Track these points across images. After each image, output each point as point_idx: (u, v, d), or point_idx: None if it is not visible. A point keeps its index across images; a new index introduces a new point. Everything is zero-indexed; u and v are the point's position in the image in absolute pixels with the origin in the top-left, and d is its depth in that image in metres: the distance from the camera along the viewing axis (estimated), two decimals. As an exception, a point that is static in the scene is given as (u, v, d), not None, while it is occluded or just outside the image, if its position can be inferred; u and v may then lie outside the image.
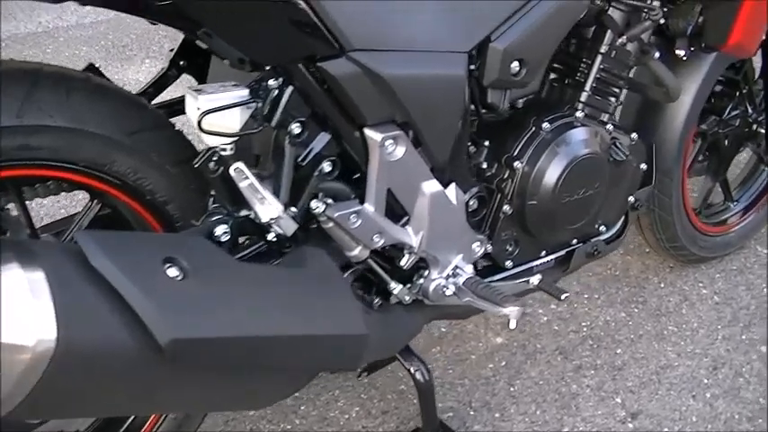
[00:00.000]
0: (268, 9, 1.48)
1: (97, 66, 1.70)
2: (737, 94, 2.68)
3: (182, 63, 1.80)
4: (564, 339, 2.55)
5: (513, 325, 1.83)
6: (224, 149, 1.58)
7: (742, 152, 2.89)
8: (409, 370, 2.02)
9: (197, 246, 1.49)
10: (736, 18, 2.12)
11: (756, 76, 2.69)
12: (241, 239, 1.71)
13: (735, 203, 2.95)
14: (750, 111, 2.73)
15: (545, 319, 2.64)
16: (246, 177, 1.57)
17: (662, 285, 2.82)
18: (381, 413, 2.27)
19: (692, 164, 2.74)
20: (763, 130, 2.74)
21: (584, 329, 2.61)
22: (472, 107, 1.85)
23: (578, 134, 1.98)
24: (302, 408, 2.29)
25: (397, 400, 2.30)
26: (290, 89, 1.61)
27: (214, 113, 1.54)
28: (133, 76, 4.22)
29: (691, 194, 2.85)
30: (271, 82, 1.60)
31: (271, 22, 1.50)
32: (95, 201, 1.66)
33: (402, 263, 1.84)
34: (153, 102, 1.81)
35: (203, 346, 1.37)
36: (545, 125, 1.94)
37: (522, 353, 2.51)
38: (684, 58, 2.26)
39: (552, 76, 2.12)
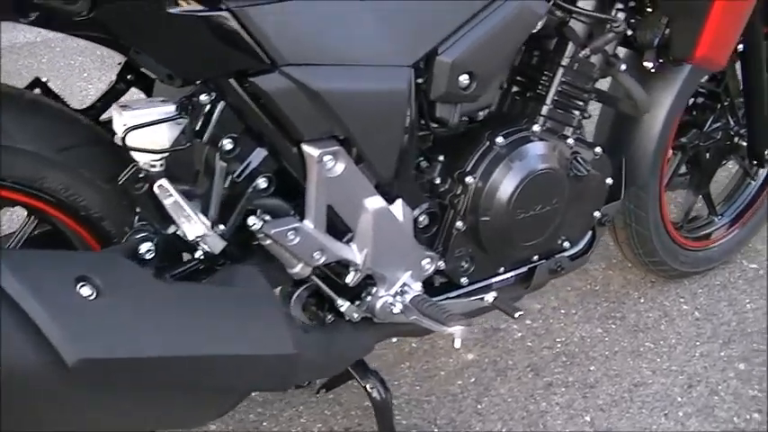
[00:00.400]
0: (194, 24, 1.46)
1: (45, 80, 1.70)
2: (719, 106, 2.63)
3: (129, 77, 1.77)
4: (537, 356, 2.51)
5: (457, 344, 1.80)
6: (153, 165, 1.55)
7: (726, 165, 2.81)
8: (365, 387, 1.99)
9: (114, 264, 1.46)
10: (702, 31, 2.08)
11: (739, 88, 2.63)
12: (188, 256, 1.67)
13: (719, 217, 2.90)
14: (732, 123, 2.67)
15: (519, 334, 2.60)
16: (171, 195, 1.54)
17: (642, 301, 2.77)
18: (344, 430, 2.24)
19: (673, 177, 2.69)
20: (744, 144, 2.67)
21: (559, 345, 2.56)
22: (423, 121, 1.80)
23: (534, 149, 1.95)
24: (264, 423, 2.27)
25: (360, 417, 2.27)
26: (221, 104, 1.58)
27: (140, 129, 1.50)
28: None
29: (675, 208, 2.81)
30: (202, 97, 1.57)
31: (197, 37, 1.48)
32: (32, 218, 1.64)
33: (348, 280, 1.80)
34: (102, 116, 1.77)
35: (114, 366, 1.35)
36: (499, 140, 1.91)
37: (493, 369, 2.47)
38: (653, 71, 2.21)
39: (515, 88, 2.06)
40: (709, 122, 2.66)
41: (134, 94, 1.74)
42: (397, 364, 2.46)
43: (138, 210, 1.60)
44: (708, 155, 2.73)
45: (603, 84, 2.20)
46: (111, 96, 1.79)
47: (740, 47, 2.48)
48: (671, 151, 2.59)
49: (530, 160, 1.94)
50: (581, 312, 2.71)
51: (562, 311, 2.71)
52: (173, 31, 1.46)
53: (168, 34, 1.46)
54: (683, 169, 2.77)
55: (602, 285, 2.83)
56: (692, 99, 2.59)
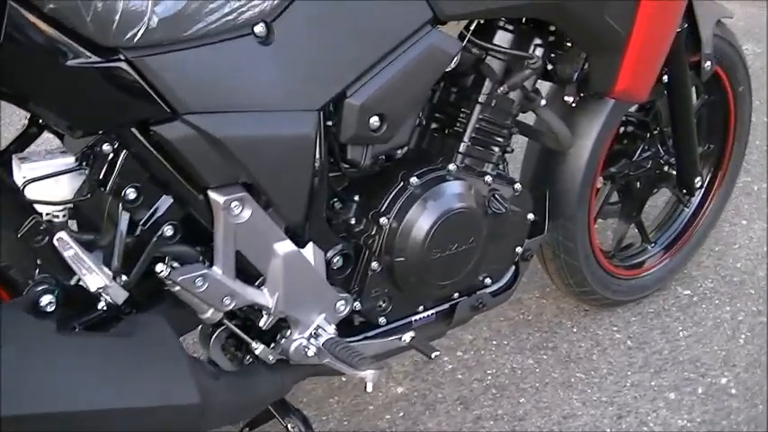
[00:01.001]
0: (92, 76, 1.45)
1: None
2: (648, 135, 2.63)
3: (41, 121, 1.76)
4: (467, 388, 2.51)
5: (369, 388, 1.80)
6: (56, 216, 1.55)
7: (657, 192, 2.82)
8: (286, 427, 1.99)
9: (12, 318, 1.45)
10: (620, 66, 2.09)
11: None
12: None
13: (652, 245, 2.91)
14: (662, 152, 2.68)
15: (449, 366, 2.60)
16: (71, 247, 1.53)
17: (575, 330, 2.78)
18: (270, 467, 2.23)
19: (604, 206, 2.70)
20: (674, 172, 2.69)
21: (489, 378, 2.57)
22: (333, 162, 1.80)
23: (449, 188, 1.95)
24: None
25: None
26: (124, 153, 1.57)
27: (39, 181, 1.49)
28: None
29: (607, 235, 2.83)
30: (105, 147, 1.57)
31: (96, 89, 1.47)
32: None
33: (261, 324, 1.80)
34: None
35: (6, 423, 1.34)
36: (413, 180, 1.91)
37: (422, 403, 2.47)
38: (573, 105, 2.22)
39: (434, 125, 2.07)
40: (638, 151, 2.67)
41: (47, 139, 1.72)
42: (325, 398, 2.45)
43: (39, 261, 1.58)
44: (638, 183, 2.74)
45: (529, 116, 2.20)
46: (22, 141, 1.77)
47: (665, 78, 2.46)
48: (601, 180, 2.59)
49: (444, 200, 1.94)
50: (513, 343, 2.71)
51: (494, 342, 2.71)
52: (71, 84, 1.45)
53: (66, 87, 1.46)
54: (614, 197, 2.76)
55: (535, 315, 2.84)
56: (622, 127, 2.59)
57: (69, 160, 1.56)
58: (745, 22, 5.56)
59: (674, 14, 2.18)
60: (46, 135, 1.71)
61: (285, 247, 1.76)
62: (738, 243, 3.28)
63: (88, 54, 1.44)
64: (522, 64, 2.02)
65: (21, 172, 1.51)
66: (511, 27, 2.03)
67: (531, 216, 2.19)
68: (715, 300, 2.96)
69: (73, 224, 1.64)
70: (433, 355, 1.94)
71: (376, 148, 1.87)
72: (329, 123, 1.77)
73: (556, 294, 2.88)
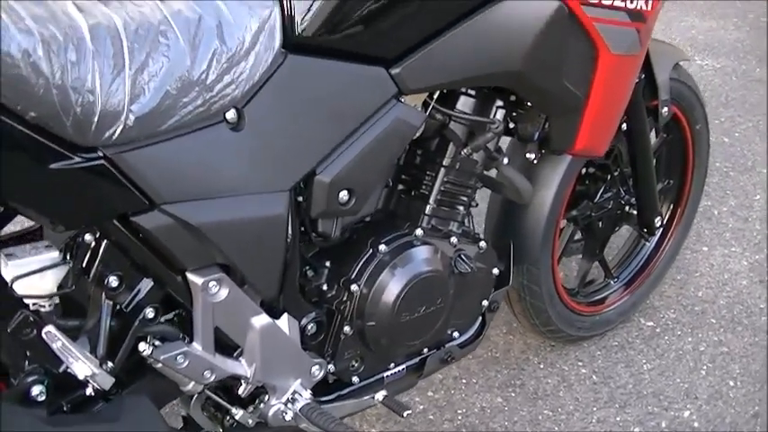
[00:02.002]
0: (71, 175, 1.51)
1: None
2: (609, 177, 2.71)
3: None
4: (438, 429, 2.60)
5: (344, 452, 1.87)
6: (42, 307, 1.62)
7: (618, 231, 2.91)
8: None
9: (4, 410, 1.53)
10: (579, 126, 2.18)
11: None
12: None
13: (615, 280, 2.99)
14: (623, 193, 2.77)
15: (421, 407, 2.68)
16: (58, 339, 1.61)
17: (541, 366, 2.86)
18: None
19: (567, 245, 2.79)
20: (635, 212, 2.78)
21: (460, 417, 2.65)
22: (305, 233, 1.88)
23: (416, 254, 2.03)
24: None
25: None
26: (105, 243, 1.65)
27: (26, 277, 1.57)
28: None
29: (571, 270, 2.91)
30: (86, 237, 1.65)
31: (76, 188, 1.53)
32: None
33: (239, 392, 1.88)
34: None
35: None
36: (382, 247, 1.99)
37: (396, 445, 2.54)
38: (535, 162, 2.31)
39: (400, 186, 2.15)
40: (600, 192, 2.75)
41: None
42: (302, 444, 2.52)
43: (28, 353, 1.66)
44: (600, 223, 2.83)
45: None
46: (5, 215, 1.83)
47: (624, 125, 2.55)
48: (564, 221, 2.68)
49: (412, 265, 2.03)
50: (482, 381, 2.79)
51: (463, 381, 2.79)
52: (54, 184, 1.51)
53: (49, 188, 1.52)
54: (577, 235, 2.85)
55: (503, 352, 2.92)
56: (584, 169, 2.68)
57: (54, 254, 1.63)
58: (705, 36, 5.68)
59: (631, 73, 2.26)
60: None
61: (261, 320, 1.84)
62: (699, 271, 3.38)
63: (69, 155, 1.50)
64: (485, 127, 2.09)
65: (8, 269, 1.58)
66: (473, 92, 2.10)
67: (495, 270, 2.27)
68: (677, 331, 3.06)
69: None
70: (404, 414, 2.02)
71: (346, 218, 1.94)
72: (299, 199, 1.83)
73: (523, 330, 2.97)
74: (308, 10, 1.71)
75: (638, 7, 2.08)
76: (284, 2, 1.70)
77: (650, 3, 2.11)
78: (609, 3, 2.03)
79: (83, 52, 1.45)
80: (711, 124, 3.92)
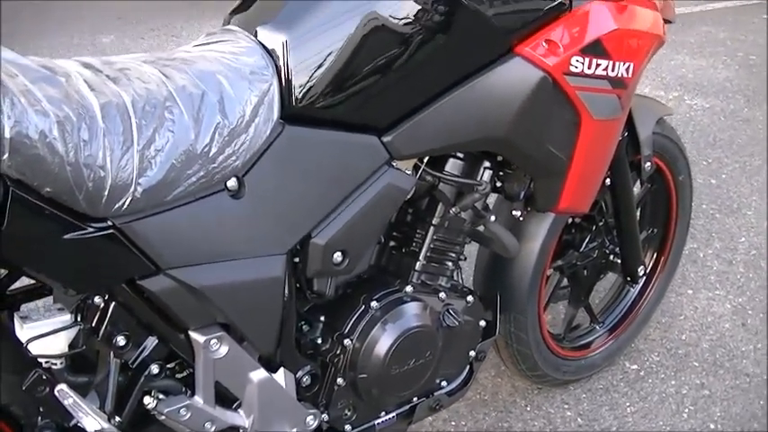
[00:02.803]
0: (82, 244, 1.63)
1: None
2: (593, 227, 2.82)
3: None
4: (427, 474, 2.68)
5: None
6: (54, 364, 1.73)
7: (603, 278, 3.02)
8: None
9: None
10: (563, 187, 2.28)
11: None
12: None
13: (600, 325, 3.10)
14: (607, 242, 2.88)
15: (411, 451, 2.77)
16: (70, 396, 1.72)
17: (528, 409, 2.96)
18: None
19: (554, 292, 2.90)
20: (619, 261, 2.89)
21: (449, 459, 2.74)
22: (304, 292, 1.99)
23: (406, 310, 2.14)
24: None
25: None
26: (113, 305, 1.76)
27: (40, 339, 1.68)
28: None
29: (557, 316, 3.05)
30: (96, 299, 1.75)
31: (87, 255, 1.65)
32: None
33: (238, 441, 1.99)
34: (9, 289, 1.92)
35: None
36: (374, 303, 2.10)
37: (388, 488, 2.63)
38: (521, 219, 2.42)
39: (392, 243, 2.26)
40: (585, 242, 2.86)
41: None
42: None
43: (41, 408, 1.77)
44: (586, 271, 2.93)
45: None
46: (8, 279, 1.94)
47: (608, 180, 2.66)
48: (551, 270, 2.79)
49: (402, 321, 2.14)
50: (470, 424, 2.88)
51: (452, 423, 2.88)
52: (67, 253, 1.62)
53: (62, 257, 1.63)
54: (564, 282, 2.96)
55: (491, 394, 3.02)
56: (570, 219, 2.78)
57: (66, 317, 1.74)
58: (694, 75, 5.80)
59: (613, 135, 2.36)
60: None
61: (259, 374, 1.95)
62: (684, 314, 3.49)
63: (81, 226, 1.62)
64: (473, 188, 2.20)
65: (24, 331, 1.70)
66: (461, 155, 2.21)
67: (482, 322, 2.38)
68: (660, 374, 3.15)
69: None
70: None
71: (340, 277, 2.05)
72: (296, 260, 1.94)
73: (510, 373, 3.05)
74: (305, 81, 1.83)
75: (620, 75, 2.18)
76: (282, 74, 1.80)
77: (631, 70, 2.21)
78: (591, 72, 2.13)
79: (95, 131, 1.56)
80: (699, 165, 4.08)
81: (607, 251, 2.90)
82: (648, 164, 2.73)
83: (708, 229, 4.03)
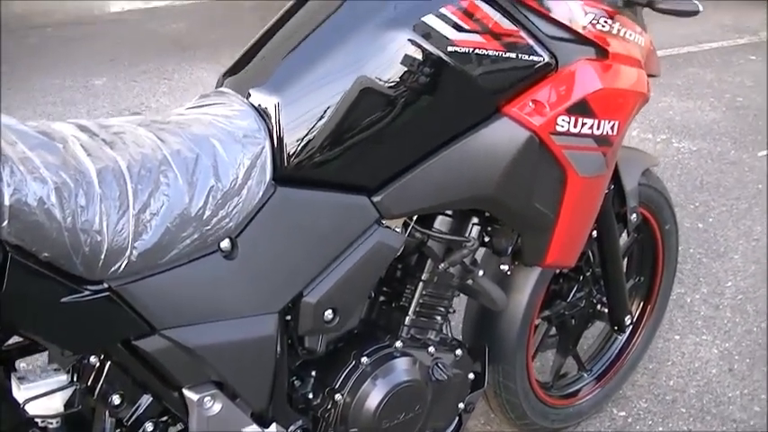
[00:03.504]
0: (79, 307, 1.67)
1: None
2: (581, 278, 2.86)
3: None
4: None
5: None
6: (51, 424, 1.77)
7: (591, 326, 3.05)
8: None
9: None
10: (550, 242, 2.31)
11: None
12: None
13: (588, 373, 3.13)
14: (594, 292, 2.91)
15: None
16: (64, 456, 1.76)
17: (517, 456, 2.98)
18: None
19: (542, 341, 2.94)
20: (606, 310, 2.92)
21: None
22: (295, 349, 2.03)
23: (396, 365, 2.18)
24: None
25: None
26: (108, 364, 1.79)
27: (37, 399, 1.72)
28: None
29: (546, 363, 3.07)
30: (92, 359, 1.79)
31: (84, 317, 1.69)
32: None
33: (229, 493, 2.02)
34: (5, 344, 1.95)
35: None
36: (364, 359, 2.14)
37: None
38: (509, 273, 2.46)
39: (381, 298, 2.30)
40: (572, 292, 2.89)
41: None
42: None
43: None
44: (573, 321, 2.97)
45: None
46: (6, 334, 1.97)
47: (594, 233, 2.70)
48: (538, 320, 2.83)
49: (393, 376, 2.18)
50: (460, 475, 2.90)
51: (443, 473, 2.90)
52: (64, 316, 1.67)
53: (60, 319, 1.67)
54: (552, 330, 3.00)
55: (481, 442, 3.05)
56: (557, 270, 2.82)
57: (62, 378, 1.78)
58: (682, 117, 5.85)
59: (598, 191, 2.40)
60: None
61: (252, 431, 1.98)
62: (671, 359, 3.51)
63: (78, 289, 1.66)
64: (461, 245, 2.25)
65: (21, 392, 1.73)
66: (450, 212, 2.26)
67: (471, 375, 2.42)
68: (648, 420, 3.18)
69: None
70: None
71: (330, 334, 2.09)
72: (287, 318, 1.98)
73: (499, 421, 3.08)
74: (297, 143, 1.89)
75: (605, 133, 2.23)
76: (274, 136, 1.85)
77: (616, 128, 2.25)
78: (577, 131, 2.17)
79: (91, 196, 1.61)
80: (686, 209, 4.13)
81: (594, 300, 2.93)
82: (634, 215, 2.77)
83: (695, 274, 4.07)
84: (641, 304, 3.21)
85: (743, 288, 4.00)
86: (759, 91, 6.51)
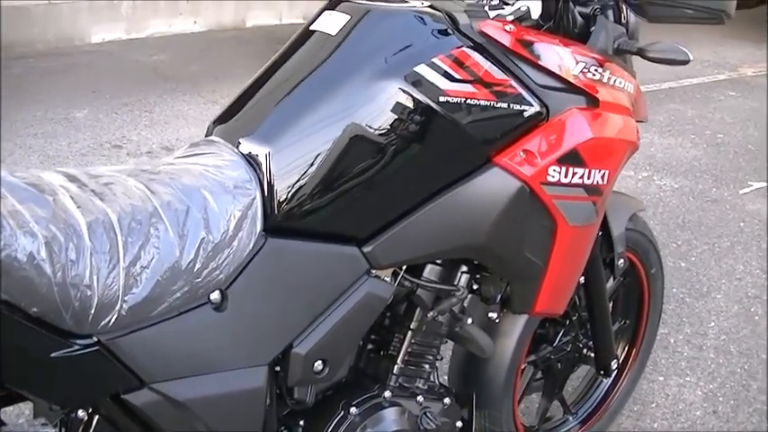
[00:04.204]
0: (68, 361, 1.64)
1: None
2: (567, 322, 2.85)
3: None
4: None
5: None
6: (41, 480, 1.74)
7: (577, 370, 3.05)
8: None
9: None
10: (539, 291, 2.30)
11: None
12: None
13: (573, 416, 3.12)
14: (581, 336, 2.91)
15: None
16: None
17: (502, 500, 2.96)
18: None
19: (528, 384, 2.92)
20: (592, 354, 2.92)
21: None
22: (284, 399, 2.01)
23: (385, 415, 2.17)
24: None
25: None
26: (96, 418, 1.77)
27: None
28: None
29: (531, 405, 3.09)
30: (80, 413, 1.76)
31: (72, 371, 1.66)
32: None
33: None
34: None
35: None
36: (353, 409, 2.13)
37: None
38: (497, 321, 2.45)
39: (370, 346, 2.29)
40: (559, 336, 2.88)
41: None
42: None
43: None
44: (559, 364, 2.96)
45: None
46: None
47: (582, 279, 2.70)
48: (524, 364, 2.82)
49: (381, 426, 2.16)
50: None
51: None
52: (52, 370, 1.64)
53: (46, 374, 1.65)
54: (538, 374, 2.99)
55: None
56: (543, 314, 2.82)
57: (49, 432, 1.75)
58: (663, 154, 5.87)
59: (588, 240, 2.39)
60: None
61: (238, 481, 1.96)
62: (655, 401, 3.51)
63: (67, 343, 1.64)
64: (450, 293, 2.24)
65: (9, 443, 1.70)
66: (439, 261, 2.25)
67: (459, 423, 2.40)
68: (633, 464, 3.17)
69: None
70: None
71: (320, 385, 2.07)
72: (277, 368, 1.96)
73: (487, 464, 3.07)
74: (287, 194, 1.88)
75: (595, 182, 2.22)
76: (264, 187, 1.84)
77: (606, 177, 2.25)
78: (567, 181, 2.16)
79: (81, 250, 1.59)
80: (668, 248, 4.13)
81: (580, 345, 2.92)
82: (621, 260, 2.78)
83: (678, 314, 4.07)
84: (626, 347, 3.21)
85: (726, 328, 4.01)
86: (739, 127, 6.56)
